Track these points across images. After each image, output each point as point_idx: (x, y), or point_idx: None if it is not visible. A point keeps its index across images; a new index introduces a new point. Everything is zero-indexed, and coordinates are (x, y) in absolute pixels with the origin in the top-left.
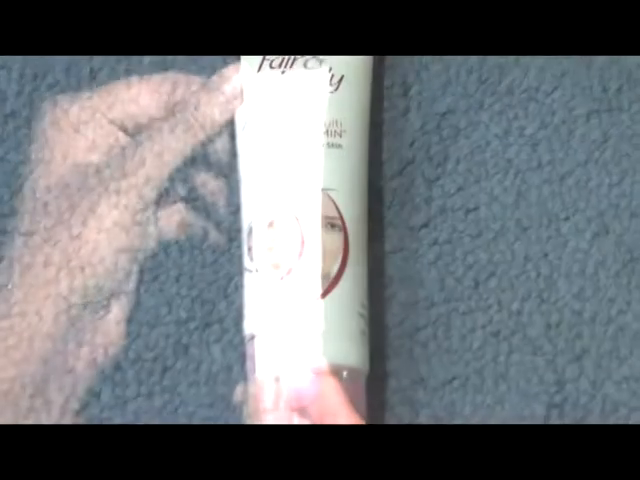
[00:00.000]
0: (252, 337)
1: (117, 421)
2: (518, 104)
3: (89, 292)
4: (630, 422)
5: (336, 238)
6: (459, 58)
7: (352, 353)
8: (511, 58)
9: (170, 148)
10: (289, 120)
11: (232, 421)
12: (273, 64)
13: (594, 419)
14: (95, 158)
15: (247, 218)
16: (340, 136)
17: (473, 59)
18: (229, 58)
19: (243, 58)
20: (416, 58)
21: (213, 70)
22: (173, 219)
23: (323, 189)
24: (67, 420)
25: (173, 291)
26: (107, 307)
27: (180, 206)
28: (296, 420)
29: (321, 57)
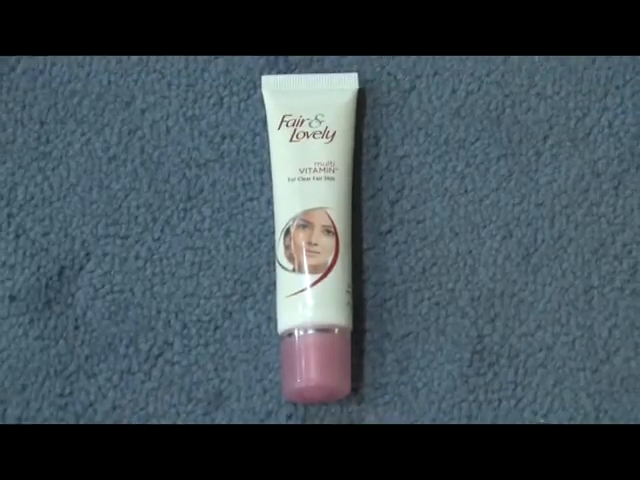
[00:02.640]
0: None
1: (184, 363)
2: (452, 150)
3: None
4: (527, 364)
5: (330, 240)
6: (413, 120)
7: (341, 316)
8: (447, 119)
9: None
10: (299, 162)
11: (262, 361)
12: (288, 124)
13: (503, 362)
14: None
15: (277, 227)
16: (333, 172)
17: (421, 121)
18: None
19: (269, 117)
20: (385, 119)
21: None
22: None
23: (322, 207)
24: (150, 362)
25: (222, 275)
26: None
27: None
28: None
29: (320, 118)
